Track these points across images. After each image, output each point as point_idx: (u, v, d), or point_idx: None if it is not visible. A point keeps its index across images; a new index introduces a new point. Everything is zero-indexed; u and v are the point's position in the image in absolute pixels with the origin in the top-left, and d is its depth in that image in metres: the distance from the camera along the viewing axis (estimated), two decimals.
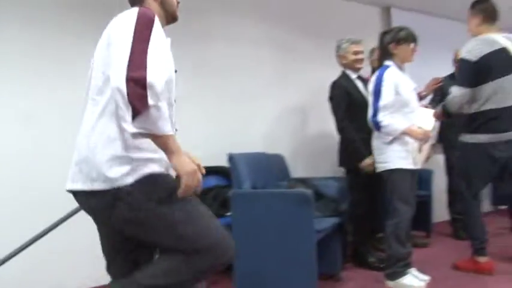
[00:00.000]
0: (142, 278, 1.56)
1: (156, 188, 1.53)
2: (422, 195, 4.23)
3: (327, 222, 3.07)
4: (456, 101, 3.11)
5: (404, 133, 2.86)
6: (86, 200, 1.57)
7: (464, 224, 3.49)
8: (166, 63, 1.56)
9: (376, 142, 3.00)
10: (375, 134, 3.01)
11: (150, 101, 1.38)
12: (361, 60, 3.59)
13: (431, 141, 3.07)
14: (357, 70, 3.59)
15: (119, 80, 1.39)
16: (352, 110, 3.39)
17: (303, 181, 3.47)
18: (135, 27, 1.47)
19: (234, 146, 3.54)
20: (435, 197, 4.54)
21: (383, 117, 2.86)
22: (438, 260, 3.62)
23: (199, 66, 3.87)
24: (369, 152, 3.20)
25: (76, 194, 1.60)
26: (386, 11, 5.29)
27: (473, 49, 3.03)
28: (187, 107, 3.43)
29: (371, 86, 2.98)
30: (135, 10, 1.54)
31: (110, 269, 1.74)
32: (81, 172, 1.53)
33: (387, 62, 3.00)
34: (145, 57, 1.42)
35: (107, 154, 1.48)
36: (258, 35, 4.29)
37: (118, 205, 1.49)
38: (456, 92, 3.09)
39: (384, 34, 3.03)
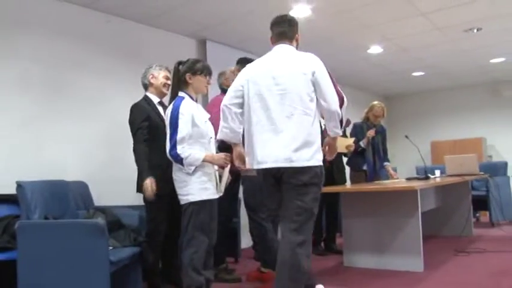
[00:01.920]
0: None
1: None
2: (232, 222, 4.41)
3: (125, 253, 2.98)
4: None
5: (206, 161, 2.87)
6: None
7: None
8: None
9: (177, 174, 2.91)
10: (176, 166, 2.91)
11: None
12: (169, 86, 3.60)
13: (228, 166, 3.12)
14: (162, 95, 3.57)
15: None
16: (151, 134, 3.31)
17: (103, 210, 3.32)
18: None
19: (30, 173, 3.29)
20: (243, 224, 4.74)
21: (181, 150, 2.80)
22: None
23: None
24: (163, 177, 3.15)
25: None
26: (203, 44, 5.49)
27: None
28: None
29: (167, 117, 2.91)
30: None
31: None
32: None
33: (181, 93, 2.98)
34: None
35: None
36: (63, 56, 4.09)
37: None
38: None
39: (179, 64, 3.03)
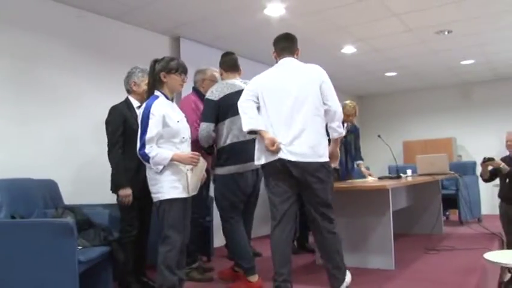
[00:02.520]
0: None
1: None
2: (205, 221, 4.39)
3: (94, 252, 2.93)
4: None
5: (174, 160, 2.83)
6: None
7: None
8: None
9: (149, 172, 2.90)
10: (148, 164, 2.90)
11: None
12: None
13: (205, 165, 3.12)
14: (144, 100, 3.54)
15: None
16: (127, 137, 3.30)
17: (73, 209, 3.26)
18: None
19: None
20: (216, 223, 4.72)
21: (149, 149, 2.78)
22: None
23: None
24: (135, 178, 3.22)
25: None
26: (176, 41, 5.44)
27: (215, 90, 3.48)
28: None
29: (139, 116, 2.89)
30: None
31: None
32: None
33: (156, 92, 2.95)
34: None
35: None
36: (31, 51, 3.99)
37: None
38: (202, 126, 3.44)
39: (155, 62, 2.98)
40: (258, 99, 3.04)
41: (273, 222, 3.03)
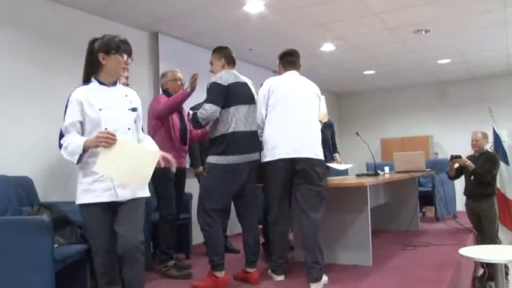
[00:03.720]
0: None
1: None
2: (182, 218, 4.36)
3: (71, 250, 2.89)
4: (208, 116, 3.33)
5: (87, 146, 2.35)
6: None
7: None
8: None
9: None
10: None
11: None
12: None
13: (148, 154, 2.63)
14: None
15: None
16: None
17: (49, 206, 3.20)
18: None
19: None
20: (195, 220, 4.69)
21: (63, 140, 2.43)
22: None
23: None
24: None
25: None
26: (155, 37, 5.38)
27: (224, 76, 3.42)
28: None
29: None
30: None
31: None
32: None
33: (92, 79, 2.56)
34: None
35: None
36: (3, 46, 3.89)
37: None
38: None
39: (93, 42, 2.60)
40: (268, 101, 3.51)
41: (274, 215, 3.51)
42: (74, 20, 4.50)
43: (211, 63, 3.67)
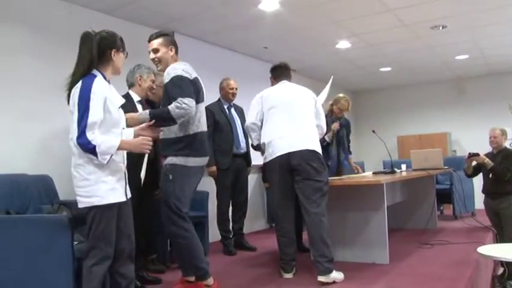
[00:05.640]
0: None
1: None
2: (198, 216, 4.38)
3: None
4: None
5: (122, 148, 2.40)
6: None
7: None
8: None
9: (79, 170, 2.39)
10: (80, 160, 2.37)
11: None
12: (153, 90, 3.87)
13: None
14: (144, 97, 3.79)
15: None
16: None
17: (69, 205, 3.24)
18: None
19: None
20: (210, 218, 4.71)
21: (92, 136, 2.28)
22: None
23: None
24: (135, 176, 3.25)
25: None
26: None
27: (187, 69, 3.11)
28: None
29: (73, 97, 2.42)
30: None
31: None
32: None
33: (94, 71, 2.47)
34: None
35: None
36: (23, 47, 3.95)
37: None
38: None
39: (95, 35, 2.60)
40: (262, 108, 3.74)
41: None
42: (90, 21, 4.53)
43: (155, 50, 3.16)
